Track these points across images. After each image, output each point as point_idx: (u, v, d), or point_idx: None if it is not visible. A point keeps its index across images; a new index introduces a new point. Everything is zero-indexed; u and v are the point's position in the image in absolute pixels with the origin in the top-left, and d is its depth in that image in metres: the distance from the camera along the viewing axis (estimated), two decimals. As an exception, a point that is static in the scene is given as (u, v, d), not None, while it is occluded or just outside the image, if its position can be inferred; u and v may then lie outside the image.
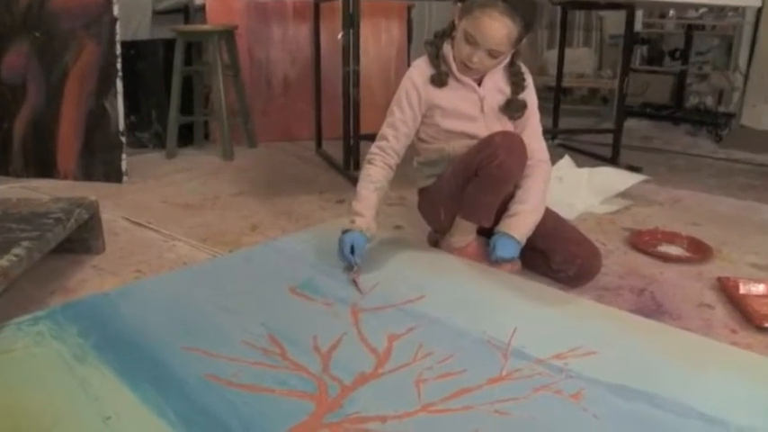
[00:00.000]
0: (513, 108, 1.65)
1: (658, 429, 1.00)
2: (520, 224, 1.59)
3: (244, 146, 3.41)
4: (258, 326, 1.31)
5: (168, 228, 2.05)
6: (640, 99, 4.58)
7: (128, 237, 1.97)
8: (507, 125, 1.67)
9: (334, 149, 3.08)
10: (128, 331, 1.27)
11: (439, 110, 1.64)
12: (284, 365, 1.17)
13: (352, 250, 1.51)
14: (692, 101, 4.49)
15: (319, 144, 3.34)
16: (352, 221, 1.56)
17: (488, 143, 1.55)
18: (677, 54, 4.67)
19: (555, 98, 3.74)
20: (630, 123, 4.18)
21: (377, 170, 1.63)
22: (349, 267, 1.55)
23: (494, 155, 1.53)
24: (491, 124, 1.65)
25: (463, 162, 1.61)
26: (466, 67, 1.59)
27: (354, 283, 1.50)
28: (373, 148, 1.66)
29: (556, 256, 1.59)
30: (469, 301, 1.45)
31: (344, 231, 1.56)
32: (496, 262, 1.60)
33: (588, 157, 3.19)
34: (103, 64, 2.61)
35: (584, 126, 4.07)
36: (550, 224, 1.65)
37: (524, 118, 1.68)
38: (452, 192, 1.65)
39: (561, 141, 3.66)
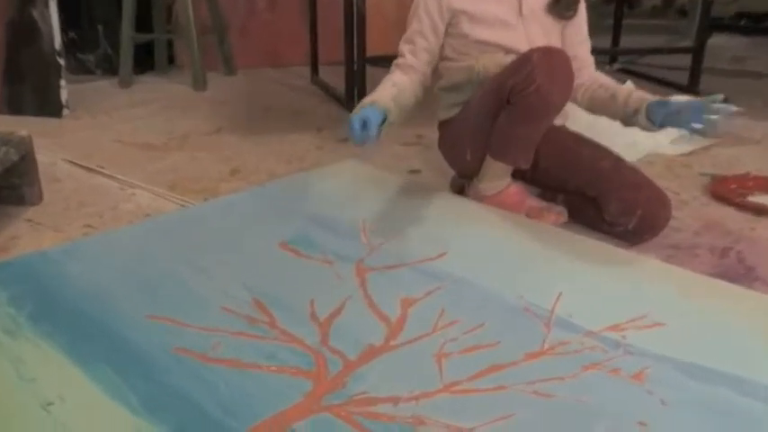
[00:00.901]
0: (563, 4, 1.64)
1: (745, 421, 1.00)
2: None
3: (219, 72, 3.42)
4: (241, 289, 1.33)
5: (125, 173, 2.06)
6: (733, 8, 4.42)
7: (73, 184, 1.98)
8: (552, 34, 1.67)
9: (334, 77, 3.07)
10: (75, 297, 1.29)
11: (465, 16, 1.64)
12: (273, 336, 1.18)
13: (365, 125, 1.42)
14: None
15: (315, 70, 3.33)
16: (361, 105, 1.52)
17: (524, 62, 1.54)
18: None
19: (616, 10, 3.68)
20: (717, 40, 4.11)
21: (395, 75, 1.63)
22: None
23: (530, 78, 1.51)
24: (532, 34, 1.64)
25: (494, 86, 1.60)
26: None
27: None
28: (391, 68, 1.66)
29: (611, 205, 1.59)
30: (503, 260, 1.46)
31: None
32: (662, 126, 1.50)
33: (658, 84, 3.16)
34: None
35: (654, 45, 4.01)
36: (605, 164, 1.64)
37: (575, 21, 1.66)
38: (480, 124, 1.65)
39: (623, 65, 3.63)
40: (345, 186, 1.91)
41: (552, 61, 1.53)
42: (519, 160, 1.64)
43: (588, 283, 1.38)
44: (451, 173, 1.90)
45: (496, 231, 1.60)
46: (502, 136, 1.62)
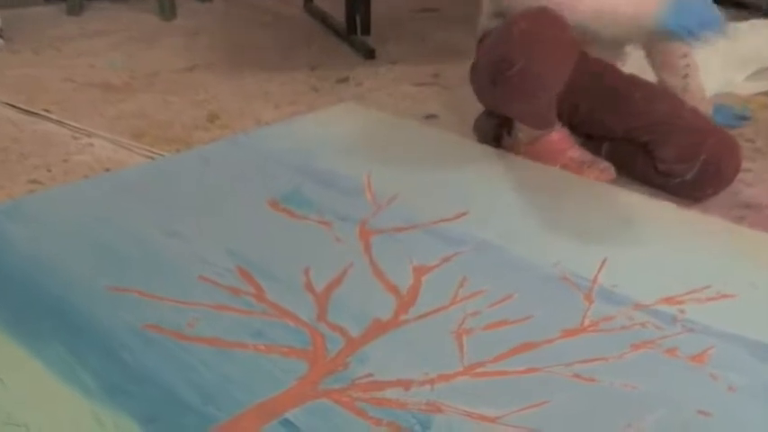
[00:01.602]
0: None
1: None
2: None
3: (191, -2, 3.38)
4: (222, 255, 1.34)
5: (79, 119, 2.06)
6: None
7: (13, 132, 1.98)
8: None
9: (332, 3, 3.04)
10: (19, 266, 1.29)
11: None
12: (261, 310, 1.20)
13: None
14: None
15: (308, -6, 3.29)
16: None
17: (505, 35, 1.58)
18: None
19: None
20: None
21: None
22: None
23: (508, 58, 1.55)
24: None
25: (483, 54, 1.65)
26: None
27: None
28: None
29: (666, 151, 1.59)
30: (535, 220, 1.47)
31: None
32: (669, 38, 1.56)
33: (732, 6, 3.08)
34: None
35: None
36: (662, 106, 1.64)
37: None
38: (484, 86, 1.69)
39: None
40: (346, 134, 1.90)
41: (538, 30, 1.54)
42: (539, 125, 1.68)
43: (638, 247, 1.38)
44: (474, 117, 1.89)
45: (528, 187, 1.60)
46: (505, 110, 1.68)
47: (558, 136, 1.71)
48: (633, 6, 1.53)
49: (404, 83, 2.34)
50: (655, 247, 1.39)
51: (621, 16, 1.55)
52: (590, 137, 1.79)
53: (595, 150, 1.76)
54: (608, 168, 1.68)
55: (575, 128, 1.77)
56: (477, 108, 1.87)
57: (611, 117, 1.69)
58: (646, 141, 1.63)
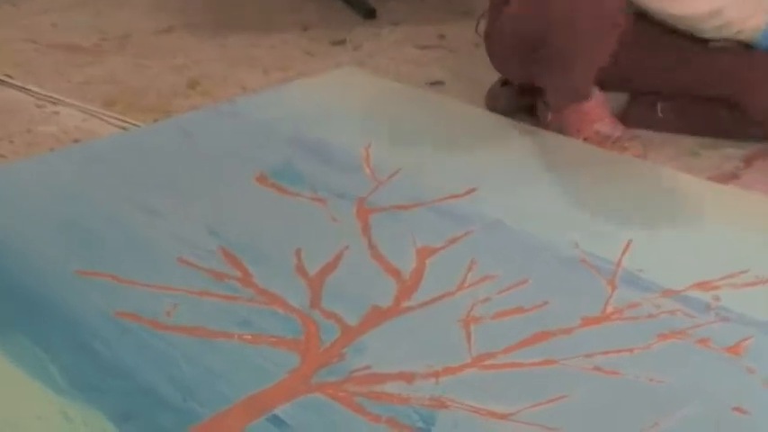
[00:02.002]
0: None
1: None
2: None
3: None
4: (205, 235, 1.34)
5: (43, 84, 2.05)
6: None
7: (-30, 99, 1.98)
8: None
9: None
10: (-20, 247, 1.30)
11: None
12: (248, 296, 1.20)
13: None
14: None
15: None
16: None
17: (539, 7, 1.61)
18: None
19: None
20: None
21: None
22: None
23: (543, 35, 1.60)
24: None
25: (510, 25, 1.68)
26: None
27: None
28: None
29: (754, 102, 1.64)
30: (553, 197, 1.47)
31: None
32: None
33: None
34: None
35: None
36: (734, 57, 1.68)
37: None
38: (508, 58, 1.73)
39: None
40: (343, 102, 1.89)
41: (575, 10, 1.57)
42: (570, 99, 1.69)
43: (667, 227, 1.39)
44: (487, 85, 1.89)
45: (546, 160, 1.60)
46: (540, 81, 1.69)
47: (592, 105, 1.71)
48: (737, 11, 1.62)
49: (407, 45, 2.33)
50: (686, 228, 1.40)
51: (724, 18, 1.63)
52: (641, 91, 1.83)
53: (652, 105, 1.80)
54: (635, 147, 1.69)
55: (618, 83, 1.79)
56: (488, 73, 1.87)
57: (668, 74, 1.74)
58: (729, 94, 1.66)
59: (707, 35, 1.68)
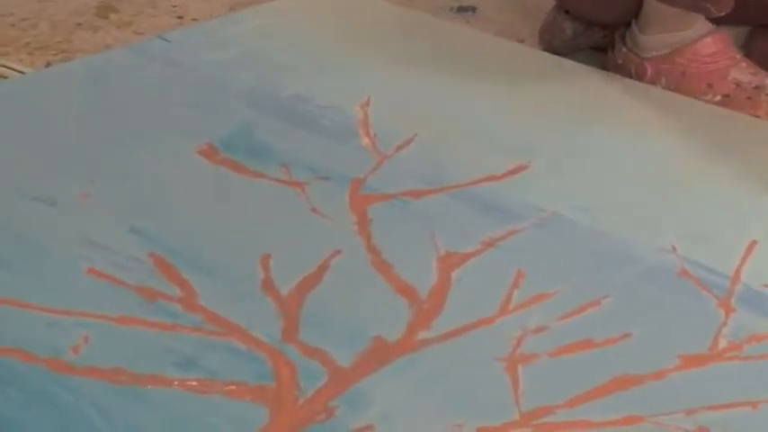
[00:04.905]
0: None
1: None
2: None
3: None
4: (126, 235, 1.16)
5: None
6: None
7: None
8: None
9: None
10: None
11: None
12: (193, 324, 1.03)
13: None
14: None
15: None
16: None
17: None
18: None
19: None
20: None
21: None
22: None
23: None
24: None
25: None
26: None
27: None
28: None
29: None
30: (639, 183, 1.33)
31: None
32: None
33: None
34: None
35: None
36: None
37: None
38: None
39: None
40: (329, 37, 1.71)
41: None
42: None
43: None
44: (537, 14, 1.75)
45: (628, 126, 1.44)
46: None
47: (715, 40, 1.56)
48: None
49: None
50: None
51: None
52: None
53: None
54: None
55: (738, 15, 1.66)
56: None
57: None
58: None
59: None
